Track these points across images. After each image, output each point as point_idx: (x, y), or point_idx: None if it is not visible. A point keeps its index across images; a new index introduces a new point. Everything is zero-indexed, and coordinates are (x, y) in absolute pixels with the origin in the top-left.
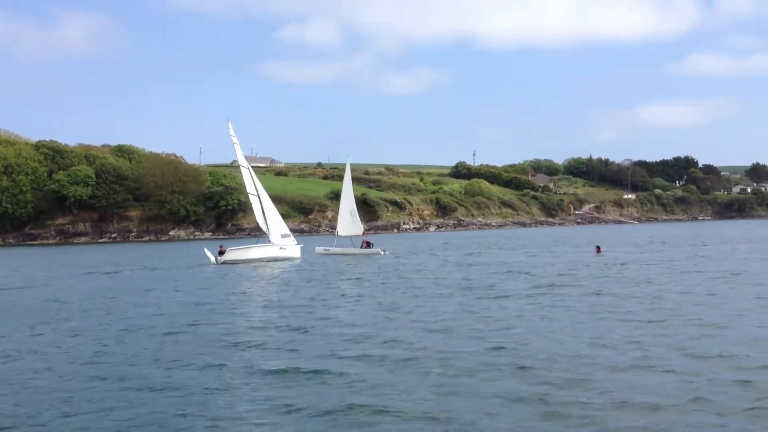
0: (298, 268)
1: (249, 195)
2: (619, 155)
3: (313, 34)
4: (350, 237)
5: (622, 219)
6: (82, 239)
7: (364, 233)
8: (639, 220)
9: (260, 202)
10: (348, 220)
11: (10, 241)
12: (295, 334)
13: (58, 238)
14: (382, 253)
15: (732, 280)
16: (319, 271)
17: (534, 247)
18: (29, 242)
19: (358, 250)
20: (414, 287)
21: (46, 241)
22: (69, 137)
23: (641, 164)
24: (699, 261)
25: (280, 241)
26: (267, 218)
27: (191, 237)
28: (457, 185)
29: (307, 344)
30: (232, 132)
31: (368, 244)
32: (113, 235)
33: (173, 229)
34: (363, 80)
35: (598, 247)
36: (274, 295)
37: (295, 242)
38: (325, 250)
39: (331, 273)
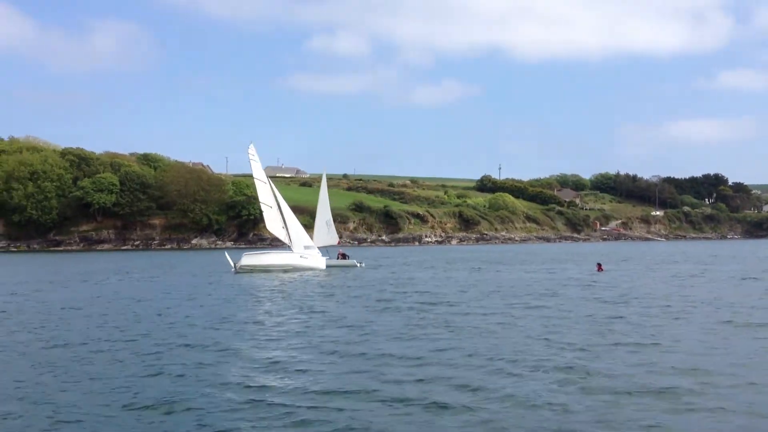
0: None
1: (261, 205)
2: (648, 171)
3: (341, 46)
4: (326, 248)
5: (649, 236)
6: (105, 246)
7: (339, 243)
8: (666, 237)
9: (282, 214)
10: (324, 231)
11: (35, 246)
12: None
13: (81, 245)
14: (358, 265)
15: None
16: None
17: (537, 263)
18: (53, 248)
19: (334, 261)
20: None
21: (69, 248)
22: (98, 145)
23: (670, 181)
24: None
25: (303, 253)
26: (289, 230)
27: (213, 246)
28: (481, 199)
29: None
30: (252, 152)
31: (344, 256)
32: (136, 243)
33: (195, 237)
34: (391, 92)
35: (599, 265)
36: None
37: (319, 254)
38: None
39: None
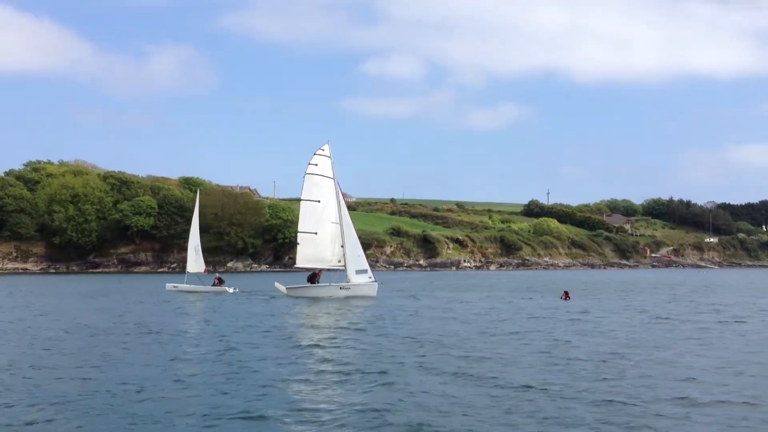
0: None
1: (302, 202)
2: (705, 197)
3: (395, 69)
4: (197, 274)
5: (702, 263)
6: (143, 268)
7: (205, 271)
8: (720, 264)
9: (342, 231)
10: (192, 258)
11: (74, 268)
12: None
13: (119, 267)
14: (230, 291)
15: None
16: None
17: (509, 290)
18: (92, 270)
19: (206, 288)
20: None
21: (107, 270)
22: (149, 168)
23: (725, 207)
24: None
25: (354, 278)
26: (346, 250)
27: (248, 269)
28: (525, 224)
29: None
30: (327, 150)
31: (220, 281)
32: (173, 266)
33: (231, 260)
34: (444, 115)
35: (566, 293)
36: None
37: (371, 278)
38: (174, 286)
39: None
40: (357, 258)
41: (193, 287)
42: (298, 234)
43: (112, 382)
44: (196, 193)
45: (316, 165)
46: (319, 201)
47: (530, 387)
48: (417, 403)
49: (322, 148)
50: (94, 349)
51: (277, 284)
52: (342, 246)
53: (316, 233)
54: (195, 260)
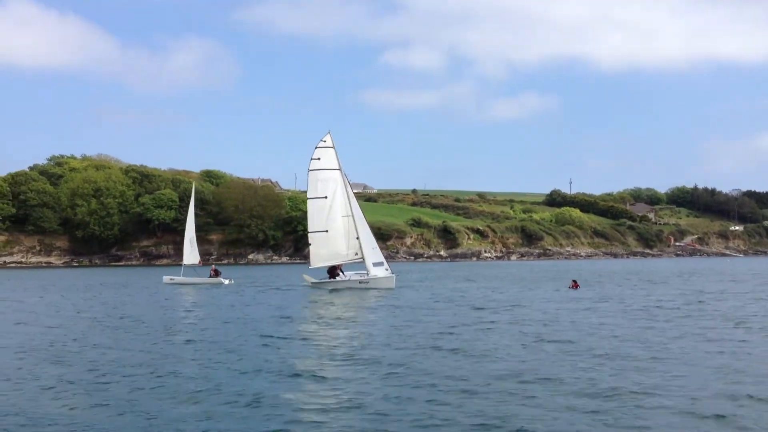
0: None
1: (308, 201)
2: (731, 185)
3: (416, 60)
4: (193, 266)
5: (727, 251)
6: (164, 261)
7: (200, 263)
8: (745, 252)
9: (355, 224)
10: (188, 250)
11: (96, 261)
12: None
13: (141, 260)
14: (226, 282)
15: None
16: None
17: (518, 279)
18: (114, 263)
19: (202, 279)
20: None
21: (130, 263)
22: (172, 162)
23: (751, 194)
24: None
25: (373, 270)
26: (362, 243)
27: (269, 261)
28: (547, 213)
29: None
30: (329, 140)
31: (216, 273)
32: None
33: (252, 252)
34: (466, 106)
35: (574, 282)
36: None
37: (388, 270)
38: (171, 279)
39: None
40: (372, 250)
41: (189, 279)
42: (309, 234)
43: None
44: (192, 185)
45: (319, 159)
46: (326, 197)
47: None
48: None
49: (324, 139)
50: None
51: (305, 276)
52: (357, 238)
53: (327, 231)
54: (190, 252)
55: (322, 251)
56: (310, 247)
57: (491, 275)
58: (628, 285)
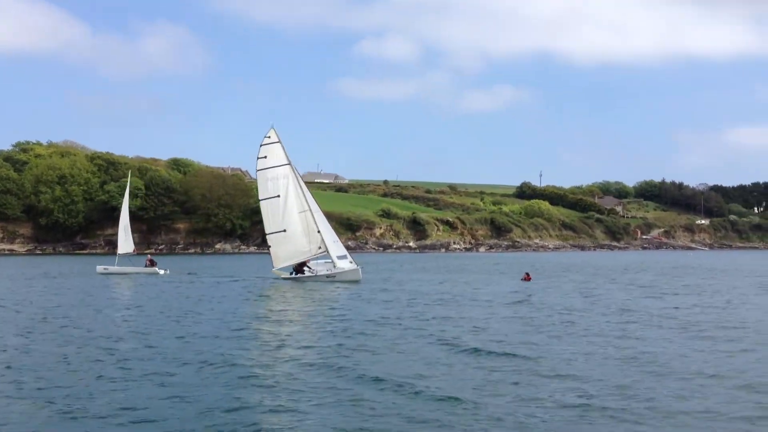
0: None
1: (261, 202)
2: (700, 179)
3: (390, 50)
4: (127, 255)
5: (693, 245)
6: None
7: (134, 251)
8: (711, 246)
9: (313, 217)
10: (122, 238)
11: (60, 249)
12: None
13: (106, 248)
14: (161, 272)
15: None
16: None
17: (476, 272)
18: (79, 251)
19: (138, 269)
20: None
21: (94, 251)
22: (140, 149)
23: (717, 189)
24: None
25: (339, 263)
26: (324, 236)
27: (237, 250)
28: (517, 206)
29: None
30: (274, 135)
31: (152, 263)
32: (160, 247)
33: (219, 242)
34: (440, 97)
35: (527, 274)
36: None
37: (352, 263)
38: (105, 268)
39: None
40: (334, 243)
41: (123, 269)
42: (267, 236)
43: None
44: (128, 174)
45: (266, 157)
46: (278, 195)
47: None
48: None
49: (268, 135)
50: None
51: (275, 270)
52: (318, 232)
53: (285, 230)
54: (125, 241)
55: (283, 251)
56: (271, 249)
57: (451, 267)
58: (566, 279)
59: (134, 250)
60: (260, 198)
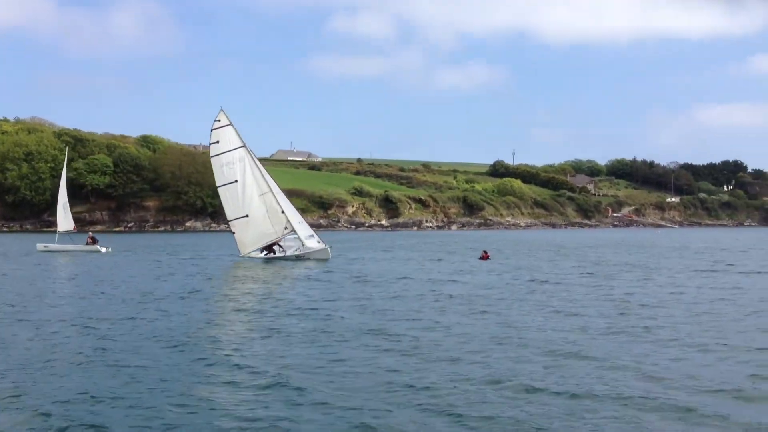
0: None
1: (219, 189)
2: (671, 157)
3: (363, 26)
4: (68, 233)
5: (663, 223)
6: (99, 227)
7: (74, 229)
8: (681, 224)
9: (275, 199)
10: (62, 215)
11: (28, 227)
12: None
13: (75, 226)
14: (102, 250)
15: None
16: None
17: (442, 251)
18: (46, 229)
19: (78, 247)
20: None
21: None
22: (109, 126)
23: (687, 167)
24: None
25: (308, 242)
26: (288, 217)
27: (207, 228)
28: (489, 184)
29: None
30: (224, 118)
31: (93, 241)
32: (129, 225)
33: (189, 220)
34: (413, 75)
35: (485, 252)
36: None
37: (320, 242)
38: (45, 246)
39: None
40: (299, 224)
41: (64, 247)
42: (229, 223)
43: None
44: (65, 150)
45: (218, 142)
46: (236, 181)
47: None
48: None
49: (218, 118)
50: None
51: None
52: (282, 212)
53: (247, 216)
54: (64, 218)
55: (248, 237)
56: (236, 235)
57: (413, 245)
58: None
59: (74, 228)
60: (218, 185)
